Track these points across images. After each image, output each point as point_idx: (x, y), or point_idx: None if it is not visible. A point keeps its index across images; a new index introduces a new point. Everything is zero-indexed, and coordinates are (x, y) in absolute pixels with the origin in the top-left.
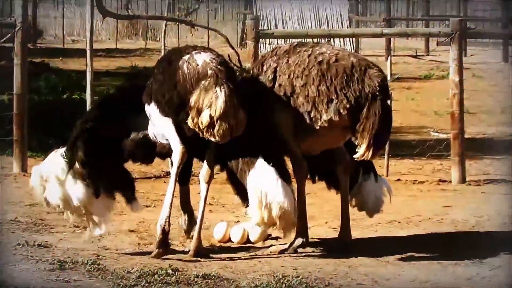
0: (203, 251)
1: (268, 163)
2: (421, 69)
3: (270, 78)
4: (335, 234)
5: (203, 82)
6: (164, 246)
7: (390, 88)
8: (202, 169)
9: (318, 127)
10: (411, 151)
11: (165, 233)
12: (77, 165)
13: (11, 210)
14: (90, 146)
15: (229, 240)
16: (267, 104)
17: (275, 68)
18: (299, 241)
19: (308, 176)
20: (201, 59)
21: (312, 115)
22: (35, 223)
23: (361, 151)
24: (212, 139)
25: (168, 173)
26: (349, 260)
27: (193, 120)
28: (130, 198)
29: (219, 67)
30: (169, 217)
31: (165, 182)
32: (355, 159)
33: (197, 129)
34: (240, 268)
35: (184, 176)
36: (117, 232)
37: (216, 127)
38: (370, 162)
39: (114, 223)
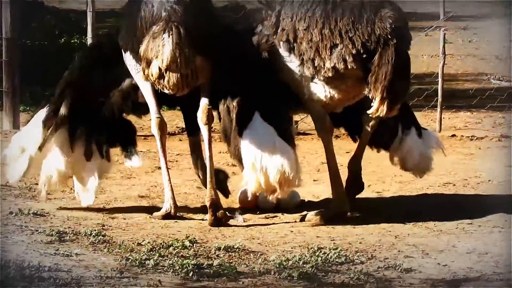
0: (222, 216)
1: (267, 119)
2: (481, 5)
3: (273, 22)
4: (378, 200)
5: (153, 27)
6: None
7: (441, 29)
8: (198, 110)
9: (322, 78)
10: (468, 102)
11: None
12: (62, 126)
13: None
14: (76, 100)
15: (257, 207)
16: (270, 52)
17: (279, 10)
18: (336, 207)
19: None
20: None
21: (316, 63)
22: (29, 188)
23: (375, 106)
24: (166, 91)
25: (183, 129)
26: (395, 229)
27: (144, 71)
28: (130, 153)
29: (175, 7)
30: (173, 198)
31: (180, 140)
32: (375, 116)
33: (150, 81)
34: (268, 239)
35: (192, 127)
36: (125, 198)
37: (166, 79)
38: (410, 114)
39: (122, 188)
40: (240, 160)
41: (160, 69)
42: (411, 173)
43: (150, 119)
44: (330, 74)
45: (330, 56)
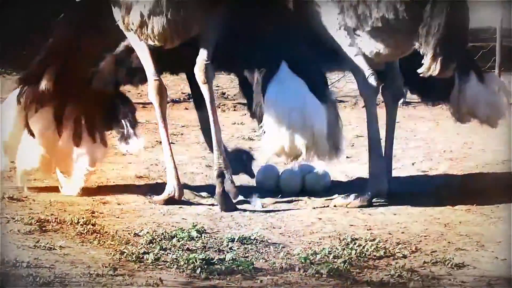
0: (233, 191)
1: (297, 71)
2: None
3: None
4: (424, 180)
5: None
6: (169, 203)
7: None
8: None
9: (367, 29)
10: None
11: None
12: (46, 104)
13: None
14: (62, 71)
15: (279, 189)
16: None
17: None
18: (374, 189)
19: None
20: None
21: (359, 11)
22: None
23: (426, 64)
24: (151, 42)
25: (190, 96)
26: (444, 215)
27: (123, 20)
28: (128, 135)
29: None
30: (177, 178)
31: (186, 109)
32: (421, 75)
33: (131, 31)
34: (292, 229)
35: (199, 98)
36: (120, 179)
37: (149, 26)
38: (468, 56)
39: (116, 167)
40: (260, 121)
41: (141, 14)
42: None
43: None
44: (379, 25)
45: (377, 3)
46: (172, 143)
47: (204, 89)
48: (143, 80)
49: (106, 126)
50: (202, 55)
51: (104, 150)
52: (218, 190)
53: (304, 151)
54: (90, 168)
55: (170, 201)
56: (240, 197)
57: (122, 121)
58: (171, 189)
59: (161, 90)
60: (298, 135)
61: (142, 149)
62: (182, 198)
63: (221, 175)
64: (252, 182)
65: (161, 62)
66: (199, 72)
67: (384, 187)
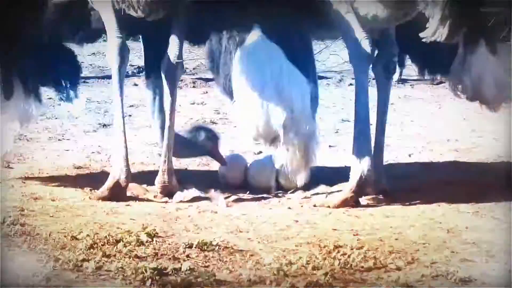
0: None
1: (272, 37)
2: None
3: None
4: (423, 175)
5: None
6: (115, 191)
7: None
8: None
9: None
10: None
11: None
12: None
13: None
14: None
15: (246, 184)
16: None
17: None
18: (361, 185)
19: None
20: None
21: None
22: None
23: (432, 27)
24: (133, 13)
25: (141, 69)
26: (448, 218)
27: None
28: (67, 96)
29: None
30: (126, 162)
31: (135, 85)
32: (424, 40)
33: None
34: (262, 233)
35: (153, 67)
36: (55, 169)
37: None
38: (480, 21)
39: (50, 155)
40: (231, 96)
41: None
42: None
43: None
44: None
45: None
46: (129, 115)
47: (170, 90)
48: (94, 38)
49: (43, 80)
50: (173, 49)
51: (37, 108)
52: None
53: (281, 132)
54: (20, 126)
55: (115, 192)
56: (197, 192)
57: (62, 80)
58: (117, 172)
59: (124, 51)
60: (274, 113)
61: (83, 110)
62: (130, 194)
63: (165, 190)
64: (212, 174)
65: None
66: (167, 70)
67: (372, 182)
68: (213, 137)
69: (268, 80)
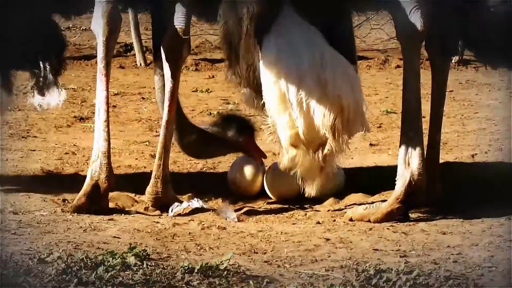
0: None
1: (308, 17)
2: None
3: None
4: (490, 180)
5: None
6: (94, 197)
7: None
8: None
9: None
10: None
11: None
12: None
13: None
14: None
15: (262, 193)
16: None
17: None
18: (409, 193)
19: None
20: None
21: None
22: None
23: None
24: None
25: (128, 48)
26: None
27: None
28: (46, 82)
29: None
30: (107, 158)
31: (121, 67)
32: None
33: None
34: (284, 254)
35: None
36: (19, 172)
37: None
38: None
39: (14, 156)
40: (256, 91)
41: None
42: None
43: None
44: None
45: None
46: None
47: (171, 73)
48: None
49: (20, 62)
50: (179, 22)
51: (6, 101)
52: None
53: (330, 135)
54: None
55: (94, 199)
56: (199, 203)
57: (41, 62)
58: (95, 171)
59: (115, 19)
60: (318, 112)
61: (61, 103)
62: (114, 205)
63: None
64: (219, 180)
65: None
66: (167, 45)
67: (425, 190)
68: (247, 129)
69: (307, 70)
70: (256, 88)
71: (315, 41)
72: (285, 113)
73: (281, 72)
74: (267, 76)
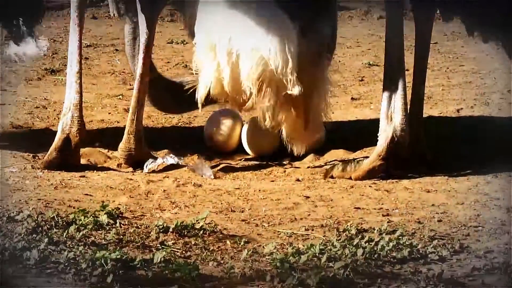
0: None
1: None
2: None
3: None
4: (475, 135)
5: None
6: (65, 152)
7: None
8: None
9: None
10: None
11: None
12: None
13: None
14: None
15: (239, 149)
16: None
17: None
18: (391, 148)
19: None
20: None
21: None
22: None
23: None
24: None
25: None
26: (506, 195)
27: None
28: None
29: None
30: (80, 107)
31: (93, 18)
32: None
33: None
34: (262, 213)
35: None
36: None
37: None
38: None
39: None
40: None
41: None
42: None
43: None
44: None
45: None
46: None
47: (146, 23)
48: None
49: None
50: None
51: None
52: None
53: (255, 90)
54: None
55: (65, 154)
56: (175, 160)
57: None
58: (66, 124)
59: None
60: (247, 61)
61: (44, 52)
62: (86, 161)
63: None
64: (195, 135)
65: None
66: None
67: (408, 145)
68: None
69: (240, 19)
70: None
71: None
72: (213, 62)
73: (211, 15)
74: (200, 22)
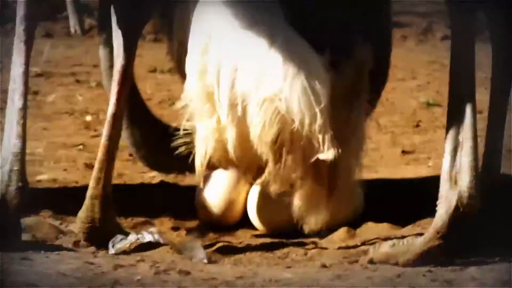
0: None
1: None
2: None
3: None
4: None
5: None
6: None
7: None
8: None
9: None
10: None
11: None
12: None
13: None
14: None
15: (244, 221)
16: None
17: None
18: (454, 215)
19: None
20: None
21: None
22: None
23: None
24: None
25: None
26: None
27: None
28: None
29: None
30: (23, 146)
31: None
32: None
33: None
34: None
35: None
36: None
37: None
38: None
39: None
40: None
41: None
42: None
43: None
44: None
45: None
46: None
47: (124, 44)
48: None
49: None
50: None
51: None
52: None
53: (270, 156)
54: None
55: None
56: (154, 237)
57: None
58: (3, 180)
59: None
60: (258, 119)
61: None
62: (30, 237)
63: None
64: (185, 199)
65: None
66: (122, 11)
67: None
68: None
69: (249, 57)
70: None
71: (273, 20)
72: (212, 117)
73: (212, 55)
74: (193, 58)
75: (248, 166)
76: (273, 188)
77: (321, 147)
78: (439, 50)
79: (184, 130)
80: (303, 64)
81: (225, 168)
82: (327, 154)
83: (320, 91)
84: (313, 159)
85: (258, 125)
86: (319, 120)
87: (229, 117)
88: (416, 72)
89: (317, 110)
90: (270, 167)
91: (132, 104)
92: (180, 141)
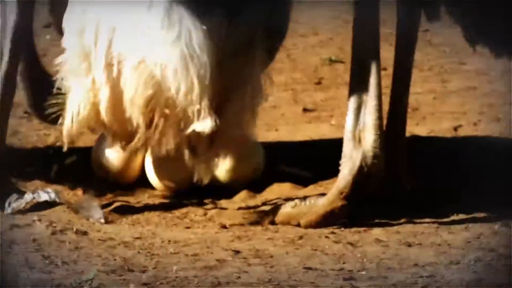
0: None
1: None
2: None
3: None
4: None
5: None
6: None
7: None
8: None
9: None
10: None
11: None
12: None
13: None
14: None
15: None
16: None
17: None
18: (357, 175)
19: None
20: None
21: None
22: None
23: None
24: None
25: None
26: None
27: None
28: None
29: None
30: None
31: None
32: None
33: None
34: (170, 273)
35: None
36: None
37: None
38: None
39: None
40: None
41: None
42: None
43: None
44: None
45: None
46: None
47: None
48: None
49: None
50: None
51: None
52: None
53: (141, 120)
54: None
55: None
56: (48, 195)
57: None
58: None
59: None
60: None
61: None
62: None
63: None
64: (80, 160)
65: None
66: None
67: (382, 177)
68: None
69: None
70: None
71: None
72: (88, 77)
73: (91, 13)
74: (71, 17)
75: (119, 130)
76: (154, 152)
77: (196, 118)
78: (342, 6)
79: (57, 89)
80: (184, 31)
81: (96, 131)
82: (203, 125)
83: (200, 59)
84: (188, 131)
85: (131, 88)
86: (196, 90)
87: (104, 77)
88: (317, 28)
89: (195, 80)
90: (140, 132)
91: (26, 60)
92: (52, 101)
